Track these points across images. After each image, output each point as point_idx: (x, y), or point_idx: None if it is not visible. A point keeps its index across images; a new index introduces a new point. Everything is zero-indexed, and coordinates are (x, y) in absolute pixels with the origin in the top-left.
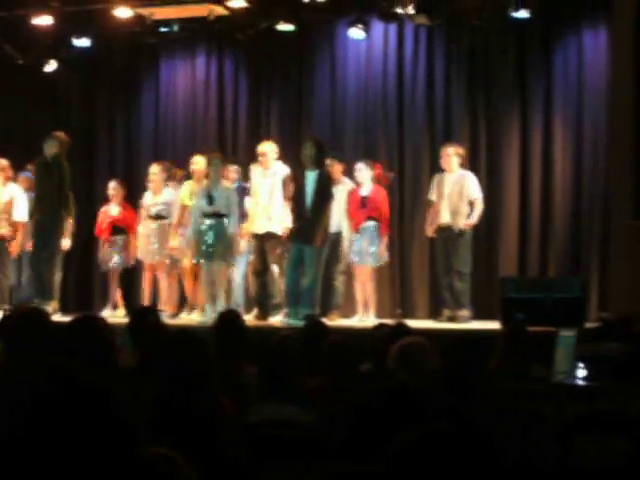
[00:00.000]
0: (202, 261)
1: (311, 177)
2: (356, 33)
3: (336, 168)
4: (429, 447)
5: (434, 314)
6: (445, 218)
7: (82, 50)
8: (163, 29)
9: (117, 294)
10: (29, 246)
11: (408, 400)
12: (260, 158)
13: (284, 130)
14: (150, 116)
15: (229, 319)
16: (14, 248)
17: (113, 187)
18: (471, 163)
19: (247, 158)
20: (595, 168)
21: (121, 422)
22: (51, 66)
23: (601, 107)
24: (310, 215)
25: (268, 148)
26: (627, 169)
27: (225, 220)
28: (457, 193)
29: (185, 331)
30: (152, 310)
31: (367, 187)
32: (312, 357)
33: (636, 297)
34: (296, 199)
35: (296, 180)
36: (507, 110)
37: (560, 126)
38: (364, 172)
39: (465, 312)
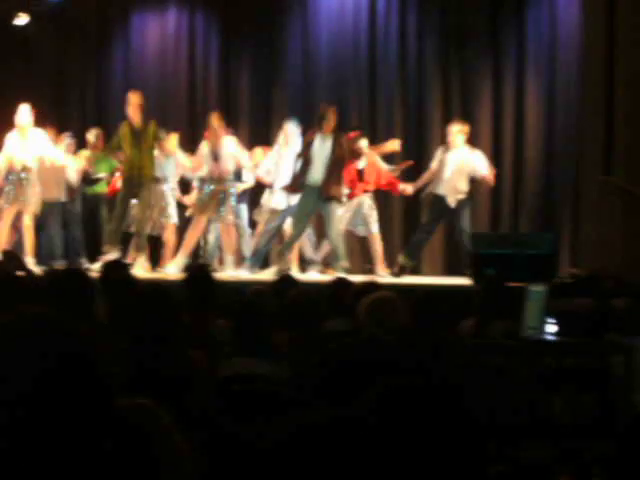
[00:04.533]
0: None
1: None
2: None
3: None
4: (397, 401)
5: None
6: (441, 190)
7: (53, 3)
8: None
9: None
10: None
11: (378, 355)
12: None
13: (255, 85)
14: (121, 70)
15: (199, 273)
16: None
17: None
18: (443, 119)
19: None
20: (567, 124)
21: (99, 375)
22: (22, 19)
23: (573, 63)
24: None
25: None
26: (598, 125)
27: None
28: (459, 169)
29: (153, 286)
30: (122, 264)
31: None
32: (281, 311)
33: (605, 254)
34: None
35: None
36: (480, 65)
37: (532, 82)
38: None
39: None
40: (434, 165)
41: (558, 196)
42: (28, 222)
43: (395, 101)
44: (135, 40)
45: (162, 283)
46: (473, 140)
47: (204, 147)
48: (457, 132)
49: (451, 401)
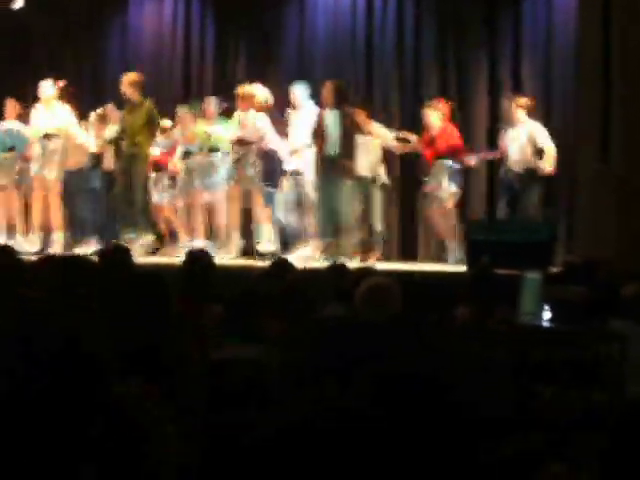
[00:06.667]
0: None
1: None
2: None
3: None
4: (387, 389)
5: None
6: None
7: None
8: None
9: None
10: None
11: (374, 340)
12: None
13: (251, 72)
14: (117, 56)
15: (196, 259)
16: None
17: None
18: None
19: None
20: (564, 112)
21: (91, 357)
22: (18, 3)
23: (570, 51)
24: None
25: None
26: (595, 113)
27: None
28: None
29: (145, 272)
30: (123, 248)
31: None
32: (276, 297)
33: (600, 242)
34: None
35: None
36: (476, 52)
37: (529, 70)
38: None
39: None
40: (503, 144)
41: (555, 184)
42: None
43: (392, 90)
44: (132, 26)
45: (160, 268)
46: (471, 128)
47: None
48: (516, 107)
49: (440, 389)
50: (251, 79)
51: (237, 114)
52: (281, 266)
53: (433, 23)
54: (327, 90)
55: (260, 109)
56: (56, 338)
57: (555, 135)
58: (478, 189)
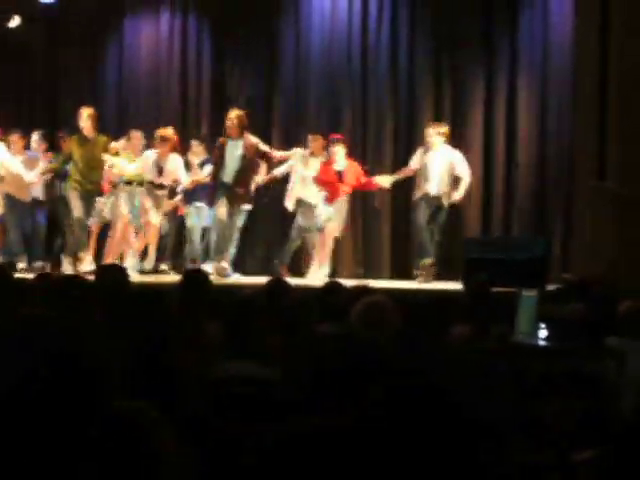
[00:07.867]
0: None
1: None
2: None
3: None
4: (400, 402)
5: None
6: (435, 191)
7: (47, 5)
8: None
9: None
10: None
11: (372, 359)
12: None
13: (248, 88)
14: (114, 73)
15: (193, 277)
16: None
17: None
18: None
19: (210, 116)
20: (560, 129)
21: (91, 358)
22: (15, 22)
23: (566, 69)
24: None
25: None
26: (591, 130)
27: None
28: (446, 170)
29: (144, 290)
30: (118, 268)
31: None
32: (274, 315)
33: (597, 258)
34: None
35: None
36: (472, 70)
37: (525, 87)
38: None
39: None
40: (414, 164)
41: (551, 201)
42: None
43: (387, 106)
44: (128, 43)
45: (156, 286)
46: (465, 145)
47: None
48: (436, 134)
49: (448, 404)
50: (246, 94)
51: (147, 154)
52: (279, 284)
53: (428, 41)
54: (232, 121)
55: (175, 150)
56: (56, 338)
57: (551, 151)
58: (474, 208)
